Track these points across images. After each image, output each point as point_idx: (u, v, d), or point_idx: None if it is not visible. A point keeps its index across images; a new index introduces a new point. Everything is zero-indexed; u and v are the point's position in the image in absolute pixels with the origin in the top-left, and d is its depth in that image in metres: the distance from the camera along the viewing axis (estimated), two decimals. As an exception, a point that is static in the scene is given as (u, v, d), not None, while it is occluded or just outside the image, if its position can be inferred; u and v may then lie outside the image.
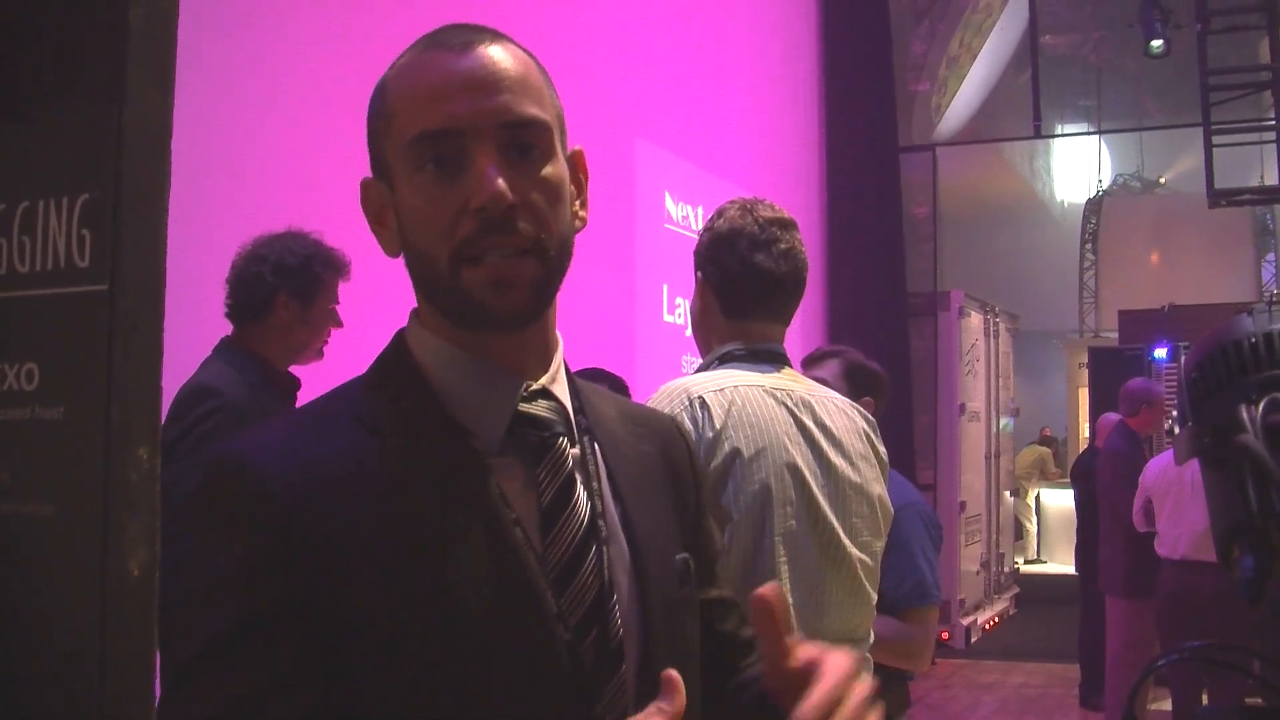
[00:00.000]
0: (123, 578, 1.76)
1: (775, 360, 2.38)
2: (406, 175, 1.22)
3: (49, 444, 1.80)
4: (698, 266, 2.44)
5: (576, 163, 1.32)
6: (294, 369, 3.31)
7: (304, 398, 3.26)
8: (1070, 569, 10.35)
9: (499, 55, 1.23)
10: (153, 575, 1.80)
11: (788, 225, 2.44)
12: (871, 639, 2.39)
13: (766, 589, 1.12)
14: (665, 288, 6.95)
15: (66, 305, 1.80)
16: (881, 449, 2.44)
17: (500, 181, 1.17)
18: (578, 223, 1.30)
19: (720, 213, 2.44)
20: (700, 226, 2.51)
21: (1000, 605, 12.59)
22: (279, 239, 3.25)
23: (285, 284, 3.19)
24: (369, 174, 1.31)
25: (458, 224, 1.18)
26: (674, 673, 1.03)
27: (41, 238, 1.82)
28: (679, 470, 1.43)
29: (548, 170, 1.23)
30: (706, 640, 1.39)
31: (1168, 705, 6.59)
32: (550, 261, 1.22)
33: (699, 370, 2.40)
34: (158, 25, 1.84)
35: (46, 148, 1.86)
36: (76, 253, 1.79)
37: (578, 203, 1.31)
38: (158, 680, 1.87)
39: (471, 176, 1.18)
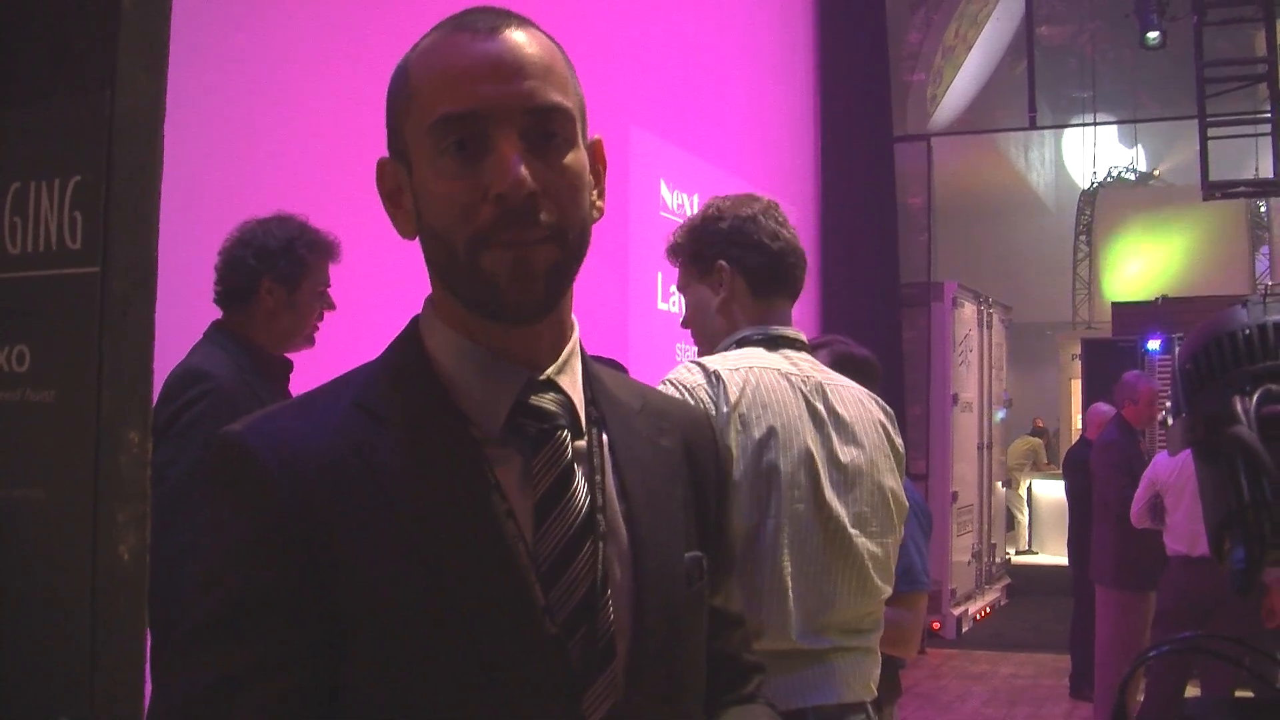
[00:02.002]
0: (113, 562, 1.76)
1: (793, 345, 2.40)
2: (427, 158, 1.21)
3: (40, 427, 1.80)
4: (718, 255, 2.44)
5: (595, 152, 1.31)
6: (288, 355, 3.30)
7: (297, 380, 3.25)
8: (1061, 560, 10.37)
9: (524, 41, 1.22)
10: (143, 559, 1.80)
11: (779, 206, 2.51)
12: (880, 631, 2.38)
13: None
14: (660, 275, 6.94)
15: (58, 287, 1.79)
16: (898, 440, 2.44)
17: (522, 169, 1.16)
18: (595, 213, 1.28)
19: (718, 208, 2.47)
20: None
21: (991, 595, 12.61)
22: (263, 223, 3.23)
23: (269, 268, 3.16)
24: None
25: (478, 210, 1.17)
26: None
27: (33, 219, 1.81)
28: (702, 467, 1.41)
29: (569, 159, 1.22)
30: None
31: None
32: (568, 249, 1.21)
33: (717, 353, 2.40)
34: (150, 10, 1.84)
35: (38, 130, 1.85)
36: (68, 235, 1.79)
37: (595, 192, 1.29)
38: (148, 662, 1.87)
39: (493, 163, 1.17)
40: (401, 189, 1.26)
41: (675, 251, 2.55)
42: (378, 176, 1.29)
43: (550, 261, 1.19)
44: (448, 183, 1.19)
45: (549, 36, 1.27)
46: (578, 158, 1.23)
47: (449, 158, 1.19)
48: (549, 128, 1.20)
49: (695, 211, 2.57)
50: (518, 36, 1.22)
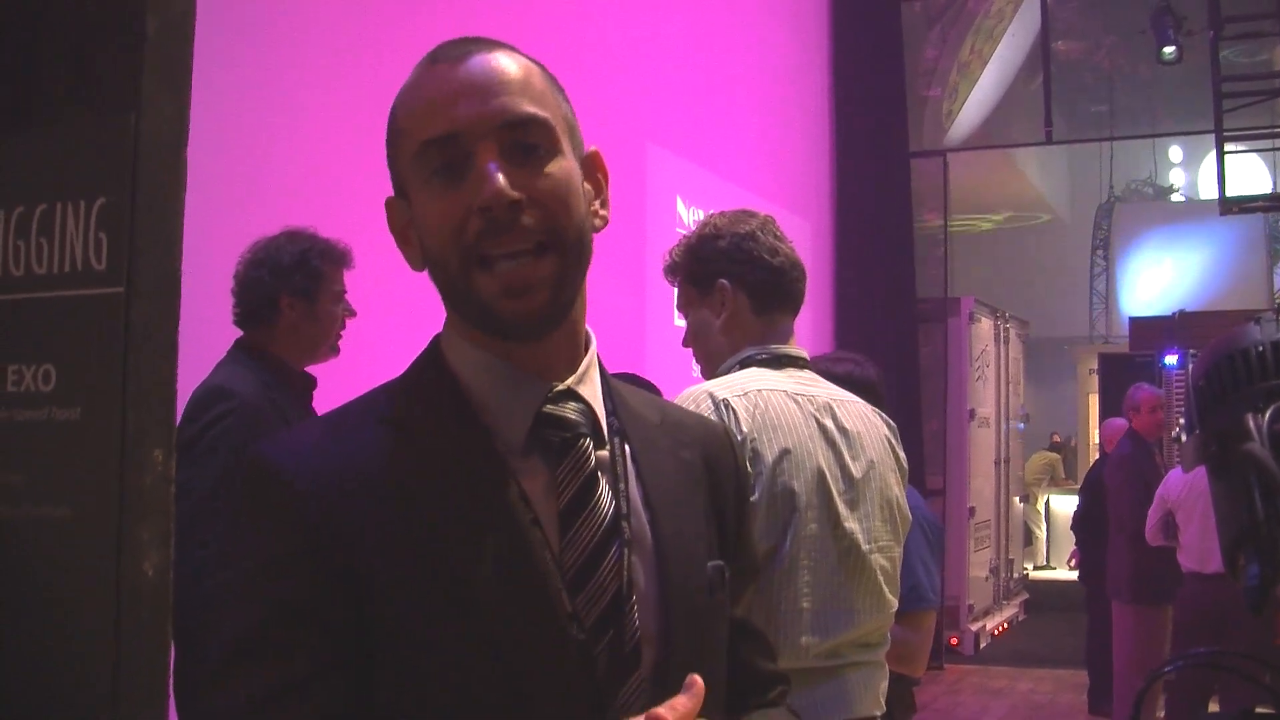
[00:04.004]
0: (137, 579, 1.77)
1: (795, 364, 2.39)
2: (418, 187, 1.25)
3: (65, 446, 1.82)
4: (718, 274, 2.43)
5: (594, 163, 1.33)
6: (311, 368, 3.31)
7: (321, 394, 3.26)
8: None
9: (495, 62, 1.25)
10: (166, 577, 1.82)
11: (776, 221, 2.50)
12: (888, 644, 2.39)
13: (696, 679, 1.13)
14: (676, 291, 6.92)
15: (83, 307, 1.81)
16: (901, 454, 2.45)
17: (500, 179, 1.19)
18: (597, 221, 1.31)
19: (714, 225, 2.46)
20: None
21: (1009, 611, 12.56)
22: (274, 240, 3.26)
23: (285, 284, 3.19)
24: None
25: (466, 226, 1.20)
26: (698, 677, 1.04)
27: (59, 240, 1.84)
28: (721, 480, 1.43)
29: (552, 167, 1.24)
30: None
31: (1178, 712, 6.57)
32: (567, 255, 1.23)
33: (721, 373, 2.40)
34: (173, 34, 1.86)
35: (64, 153, 1.88)
36: (93, 256, 1.81)
37: (597, 202, 1.32)
38: (170, 680, 1.89)
39: (473, 178, 1.20)
40: (407, 225, 1.30)
41: (673, 270, 2.55)
42: (387, 216, 1.32)
43: (548, 274, 1.22)
44: (437, 207, 1.22)
45: (528, 57, 1.30)
46: (563, 166, 1.25)
47: (435, 182, 1.22)
48: (528, 140, 1.23)
49: (691, 230, 2.57)
50: (488, 59, 1.25)
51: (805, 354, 2.44)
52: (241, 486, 1.23)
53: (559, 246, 1.22)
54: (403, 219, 1.30)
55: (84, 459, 1.80)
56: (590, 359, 1.33)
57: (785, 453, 2.22)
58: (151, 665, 1.81)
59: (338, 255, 3.29)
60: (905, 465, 2.46)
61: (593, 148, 1.34)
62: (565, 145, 1.27)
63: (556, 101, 1.28)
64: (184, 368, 1.88)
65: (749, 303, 2.41)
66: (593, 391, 1.31)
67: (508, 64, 1.26)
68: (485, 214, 1.19)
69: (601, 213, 1.32)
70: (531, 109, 1.24)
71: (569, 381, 1.28)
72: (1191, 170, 20.83)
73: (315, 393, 3.30)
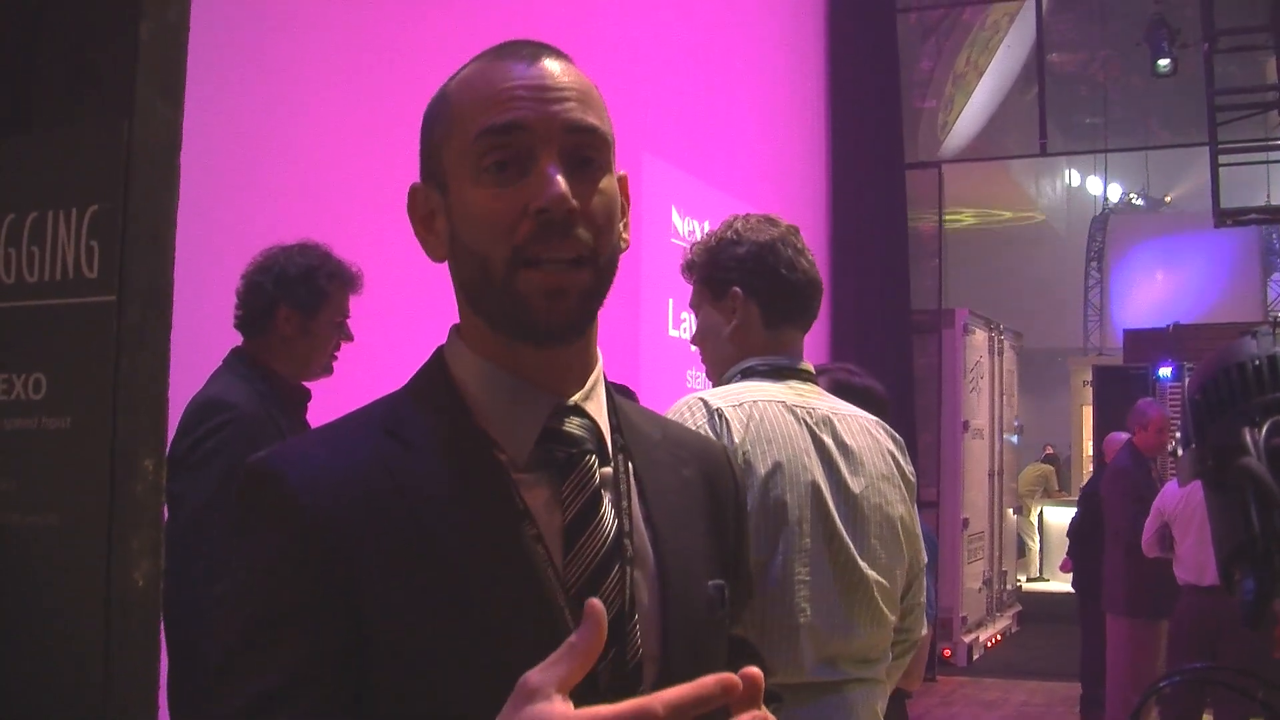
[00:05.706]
0: (127, 587, 1.76)
1: (799, 376, 2.37)
2: (467, 177, 1.23)
3: (55, 454, 1.81)
4: (733, 281, 2.40)
5: (623, 187, 1.33)
6: (306, 384, 3.30)
7: (314, 410, 3.25)
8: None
9: (564, 69, 1.26)
10: (156, 585, 1.81)
11: (799, 232, 2.47)
12: (889, 659, 2.38)
13: (754, 671, 1.07)
14: (671, 302, 6.95)
15: (74, 316, 1.81)
16: (908, 468, 2.41)
17: (563, 184, 1.19)
18: (622, 243, 1.31)
19: (736, 230, 2.43)
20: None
21: (1003, 623, 12.56)
22: (286, 250, 3.24)
23: (285, 295, 3.17)
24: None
25: (517, 225, 1.19)
26: (596, 602, 0.98)
27: (50, 248, 1.83)
28: (722, 499, 1.42)
29: (604, 184, 1.24)
30: None
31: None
32: (601, 272, 1.23)
33: (721, 384, 2.38)
34: (167, 40, 1.85)
35: (56, 159, 1.87)
36: (85, 264, 1.80)
37: (621, 224, 1.32)
38: (164, 687, 1.88)
39: (534, 178, 1.20)
40: (434, 213, 1.28)
41: (690, 269, 2.52)
42: (409, 202, 1.31)
43: (583, 285, 1.21)
44: (487, 201, 1.21)
45: (582, 73, 1.30)
46: (612, 184, 1.26)
47: (489, 176, 1.21)
48: (586, 152, 1.23)
49: (714, 229, 2.53)
50: (559, 65, 1.26)
51: (810, 367, 2.42)
52: (240, 496, 1.21)
53: (595, 263, 1.22)
54: (428, 207, 1.29)
55: (74, 467, 1.80)
56: (597, 375, 1.32)
57: (778, 465, 2.20)
58: (142, 673, 1.80)
59: (346, 278, 3.27)
60: (912, 479, 2.42)
61: (622, 172, 1.33)
62: (612, 164, 1.28)
63: (607, 118, 1.29)
64: (178, 376, 1.88)
65: (759, 314, 2.39)
66: (598, 408, 1.30)
67: (575, 74, 1.27)
68: (541, 215, 1.18)
69: (624, 235, 1.32)
70: (594, 120, 1.25)
71: (576, 397, 1.27)
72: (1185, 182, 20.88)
73: (309, 405, 3.28)
